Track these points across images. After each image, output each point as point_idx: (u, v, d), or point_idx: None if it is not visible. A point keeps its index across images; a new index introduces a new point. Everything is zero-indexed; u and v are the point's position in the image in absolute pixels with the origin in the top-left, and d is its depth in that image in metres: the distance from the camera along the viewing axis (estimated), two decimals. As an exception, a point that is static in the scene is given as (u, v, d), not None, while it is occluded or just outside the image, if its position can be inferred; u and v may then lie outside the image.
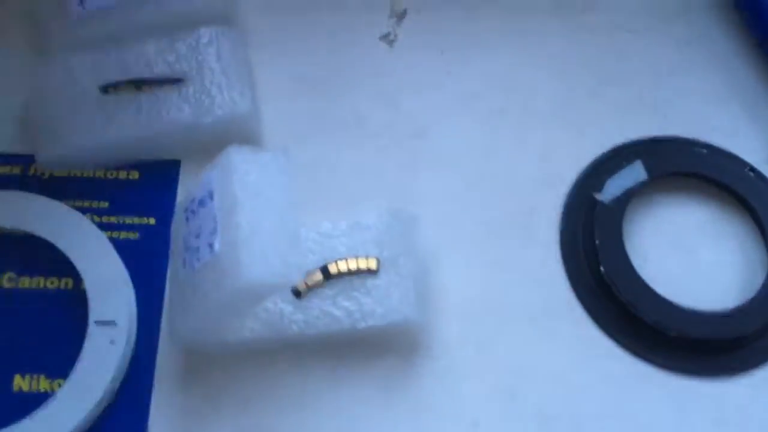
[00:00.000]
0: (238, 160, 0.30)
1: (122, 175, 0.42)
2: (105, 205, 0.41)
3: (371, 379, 0.38)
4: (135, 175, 0.42)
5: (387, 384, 0.38)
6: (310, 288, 0.36)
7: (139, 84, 0.41)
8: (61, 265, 0.39)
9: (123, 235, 0.40)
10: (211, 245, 0.30)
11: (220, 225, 0.29)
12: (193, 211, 0.32)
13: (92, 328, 0.37)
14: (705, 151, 0.44)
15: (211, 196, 0.30)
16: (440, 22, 0.48)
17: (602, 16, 0.48)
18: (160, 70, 0.41)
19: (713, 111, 0.46)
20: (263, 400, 0.37)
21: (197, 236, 0.31)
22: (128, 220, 0.41)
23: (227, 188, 0.30)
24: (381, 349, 0.38)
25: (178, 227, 0.35)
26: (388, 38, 0.48)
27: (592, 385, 0.38)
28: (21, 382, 0.37)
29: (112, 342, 0.36)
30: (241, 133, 0.42)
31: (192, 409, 0.37)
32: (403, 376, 0.38)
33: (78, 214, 0.39)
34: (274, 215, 0.29)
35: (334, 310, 0.36)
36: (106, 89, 0.40)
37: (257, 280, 0.29)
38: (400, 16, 0.48)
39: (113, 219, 0.40)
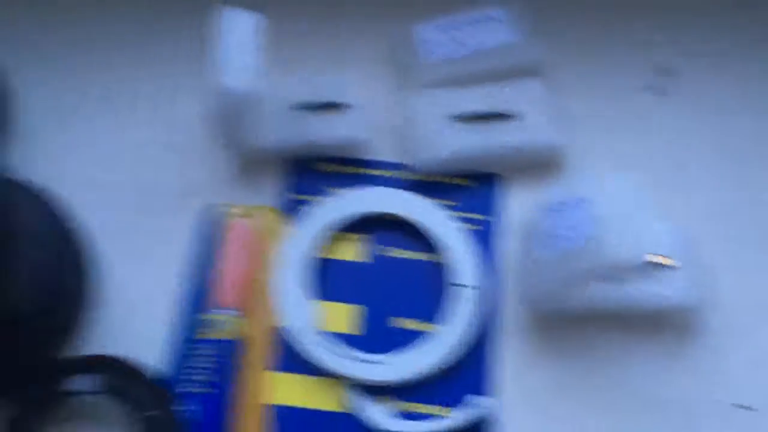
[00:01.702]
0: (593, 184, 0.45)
1: (462, 182, 0.57)
2: (453, 203, 0.56)
3: (661, 345, 0.51)
4: (471, 182, 0.57)
5: (673, 349, 0.51)
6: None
7: (481, 116, 0.56)
8: (423, 242, 0.54)
9: (468, 226, 0.55)
10: (583, 235, 0.44)
11: (594, 222, 0.44)
12: (557, 210, 0.46)
13: (453, 289, 0.51)
14: None
15: (582, 201, 0.45)
16: (702, 80, 0.61)
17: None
18: (496, 106, 0.56)
19: None
20: (575, 354, 0.51)
21: (566, 228, 0.45)
22: (470, 216, 0.55)
23: (597, 198, 0.45)
24: (671, 323, 0.51)
25: (535, 223, 0.49)
26: (656, 89, 0.61)
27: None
28: (397, 323, 0.52)
29: (467, 300, 0.51)
30: (549, 158, 0.57)
31: (521, 351, 0.51)
32: (686, 345, 0.51)
33: (439, 207, 0.54)
34: (630, 219, 0.43)
35: (641, 291, 0.50)
36: (458, 118, 0.56)
37: (624, 262, 0.43)
38: (666, 72, 0.62)
39: (460, 214, 0.55)
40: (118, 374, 0.48)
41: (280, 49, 0.53)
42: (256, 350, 0.50)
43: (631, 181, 0.44)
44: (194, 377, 0.49)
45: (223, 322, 0.50)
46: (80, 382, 0.48)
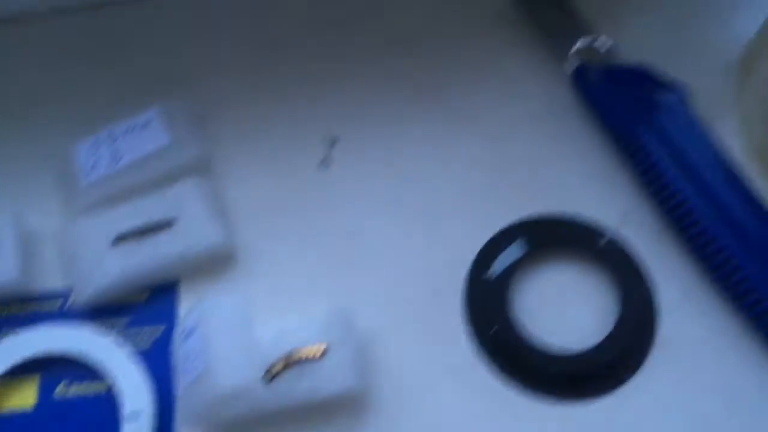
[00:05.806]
0: (208, 306, 0.44)
1: (135, 297, 0.56)
2: (125, 320, 0.55)
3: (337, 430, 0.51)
4: (145, 296, 0.56)
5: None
6: (275, 375, 0.50)
7: (142, 231, 0.55)
8: (97, 375, 0.53)
9: (139, 343, 0.54)
10: (198, 365, 0.44)
11: (203, 351, 0.44)
12: (185, 337, 0.46)
13: (125, 419, 0.51)
14: (570, 224, 0.58)
15: (193, 331, 0.44)
16: (366, 143, 0.62)
17: (485, 127, 0.63)
18: (156, 216, 0.56)
19: (579, 192, 0.60)
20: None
21: (186, 358, 0.45)
22: (144, 330, 0.55)
23: (203, 327, 0.44)
24: (337, 411, 0.51)
25: (177, 345, 0.49)
26: (325, 162, 0.62)
27: (492, 412, 0.52)
28: (72, 467, 0.51)
29: (141, 427, 0.50)
30: (221, 255, 0.56)
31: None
32: (361, 424, 0.52)
33: (106, 336, 0.53)
34: (236, 339, 0.43)
35: (295, 387, 0.50)
36: (117, 240, 0.55)
37: (229, 389, 0.43)
38: (333, 142, 0.62)
39: (132, 330, 0.54)
40: None
41: None
42: None
43: (233, 301, 0.45)
44: None
45: None
46: None
